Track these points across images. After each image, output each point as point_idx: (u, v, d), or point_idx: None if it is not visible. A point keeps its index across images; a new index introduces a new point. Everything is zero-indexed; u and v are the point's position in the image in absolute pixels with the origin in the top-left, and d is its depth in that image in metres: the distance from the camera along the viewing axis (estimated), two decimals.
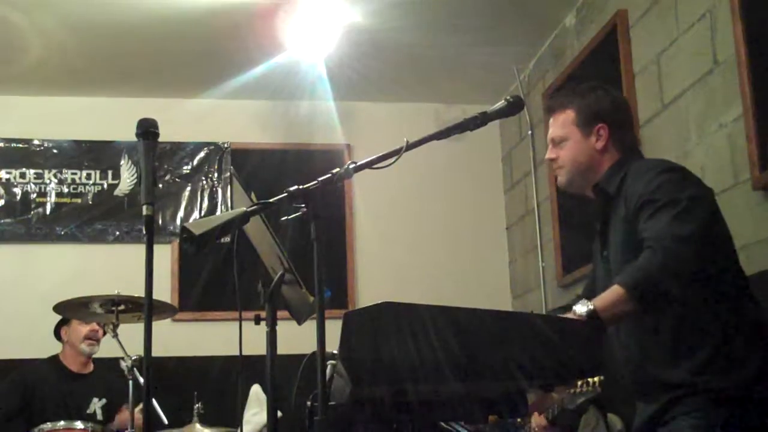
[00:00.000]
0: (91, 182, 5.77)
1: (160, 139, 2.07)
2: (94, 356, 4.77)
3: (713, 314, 2.20)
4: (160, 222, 5.72)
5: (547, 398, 3.15)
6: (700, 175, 3.44)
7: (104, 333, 4.60)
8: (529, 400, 2.24)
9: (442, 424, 3.30)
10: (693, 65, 3.60)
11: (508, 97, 2.12)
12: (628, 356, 2.37)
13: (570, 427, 3.29)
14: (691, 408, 2.17)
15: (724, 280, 2.21)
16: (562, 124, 2.52)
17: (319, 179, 1.89)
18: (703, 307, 2.19)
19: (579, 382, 2.63)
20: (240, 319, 2.18)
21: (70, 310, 4.19)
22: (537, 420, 3.26)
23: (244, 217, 1.88)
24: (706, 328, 2.20)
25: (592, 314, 2.01)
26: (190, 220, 5.66)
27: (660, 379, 2.26)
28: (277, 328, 2.19)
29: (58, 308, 4.11)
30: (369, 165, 1.97)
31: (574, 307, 2.05)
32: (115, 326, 3.98)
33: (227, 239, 2.03)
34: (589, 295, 2.57)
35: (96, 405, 4.66)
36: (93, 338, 4.67)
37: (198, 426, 4.31)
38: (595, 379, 2.57)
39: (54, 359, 4.78)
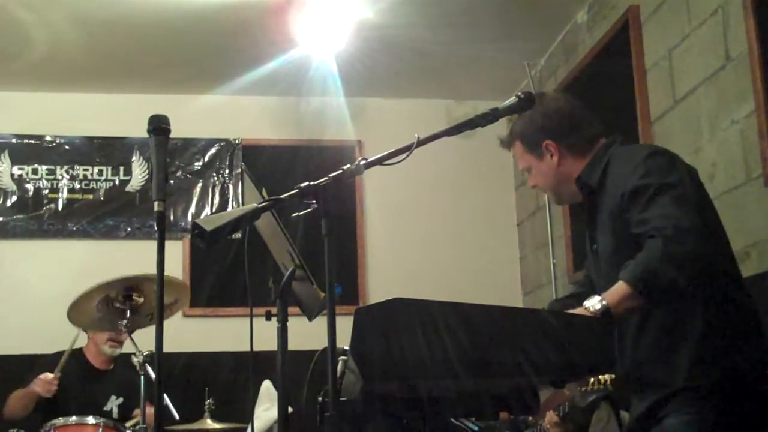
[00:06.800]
0: (102, 178, 5.79)
1: (172, 136, 2.07)
2: None
3: (704, 305, 2.15)
4: (171, 218, 5.74)
5: (558, 394, 3.16)
6: (711, 171, 3.46)
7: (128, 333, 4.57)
8: (542, 397, 2.24)
9: (453, 420, 3.30)
10: (705, 61, 3.58)
11: (519, 94, 2.10)
12: (621, 348, 2.31)
13: (582, 424, 3.29)
14: (682, 405, 2.15)
15: (719, 269, 2.17)
16: (518, 156, 2.57)
17: (330, 175, 1.88)
18: (695, 298, 2.14)
19: (591, 380, 2.63)
20: (251, 315, 2.19)
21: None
22: (548, 416, 3.28)
23: (255, 213, 1.88)
24: (696, 320, 2.16)
25: (605, 311, 2.00)
26: (202, 216, 5.66)
27: (650, 373, 2.23)
28: (288, 324, 2.19)
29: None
30: (380, 161, 1.96)
31: (586, 303, 2.03)
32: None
33: (238, 235, 2.03)
34: (586, 286, 2.56)
35: (114, 403, 4.63)
36: (115, 340, 4.63)
37: (209, 421, 4.34)
38: (606, 377, 2.56)
39: (78, 353, 4.70)
